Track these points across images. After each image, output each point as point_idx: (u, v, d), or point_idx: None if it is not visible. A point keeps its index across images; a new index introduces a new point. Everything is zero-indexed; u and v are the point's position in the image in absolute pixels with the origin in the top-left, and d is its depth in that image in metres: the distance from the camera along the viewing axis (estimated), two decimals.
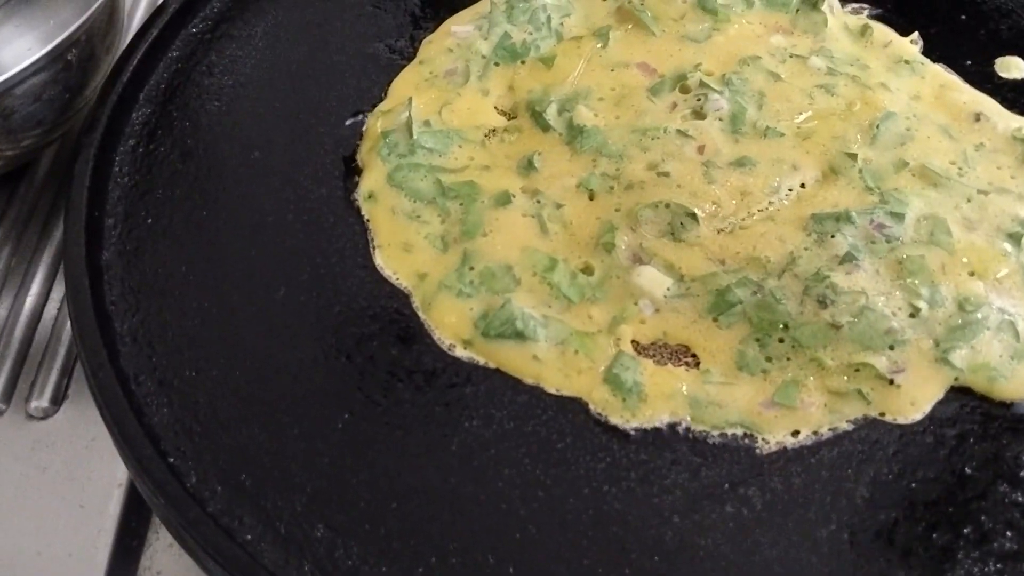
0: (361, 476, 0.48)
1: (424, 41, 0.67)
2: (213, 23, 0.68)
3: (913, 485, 0.49)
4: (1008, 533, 0.47)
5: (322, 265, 0.56)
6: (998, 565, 0.46)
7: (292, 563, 0.46)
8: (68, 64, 0.63)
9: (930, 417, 0.51)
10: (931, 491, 0.48)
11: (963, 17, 0.70)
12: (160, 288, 0.55)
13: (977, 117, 0.63)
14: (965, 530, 0.47)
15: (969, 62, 0.67)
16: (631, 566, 0.46)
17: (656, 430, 0.51)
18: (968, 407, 0.51)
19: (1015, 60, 0.67)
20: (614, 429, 0.51)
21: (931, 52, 0.68)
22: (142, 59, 0.64)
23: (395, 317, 0.54)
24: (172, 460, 0.48)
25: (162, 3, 0.67)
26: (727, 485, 0.48)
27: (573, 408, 0.51)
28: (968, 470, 0.49)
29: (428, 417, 0.50)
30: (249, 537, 0.46)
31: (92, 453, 0.60)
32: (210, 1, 0.69)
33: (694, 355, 0.53)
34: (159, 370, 0.52)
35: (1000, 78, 0.67)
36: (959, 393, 0.52)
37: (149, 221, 0.58)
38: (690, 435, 0.50)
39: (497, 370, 0.52)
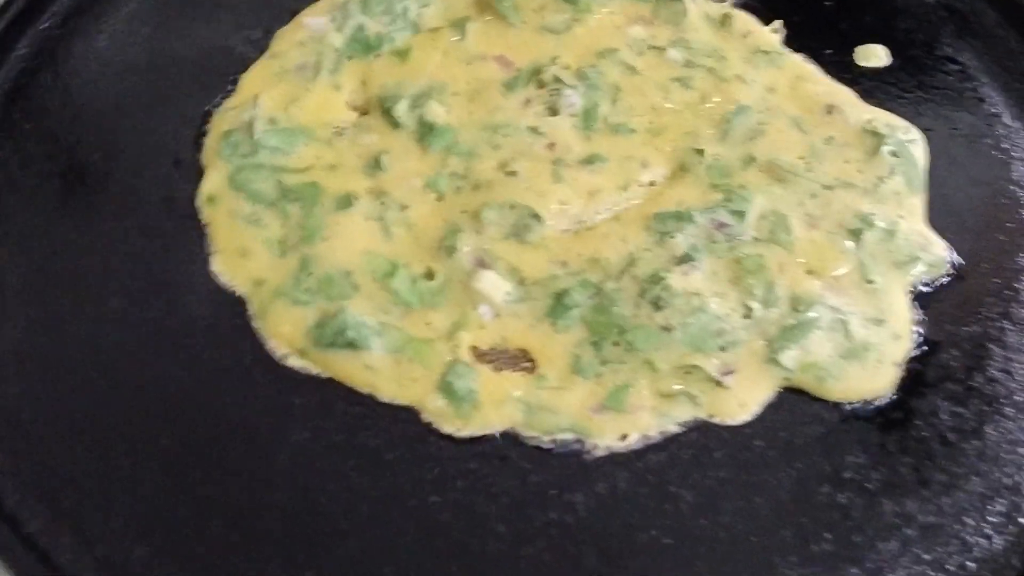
0: (183, 494, 0.48)
1: (277, 33, 0.66)
2: (62, 19, 0.66)
3: (738, 489, 0.49)
4: (827, 535, 0.48)
5: (158, 273, 0.55)
6: (815, 568, 0.47)
7: None
8: None
9: (759, 420, 0.51)
10: (755, 495, 0.49)
11: (828, 3, 0.70)
12: None
13: (829, 109, 0.62)
14: (784, 533, 0.48)
15: (830, 51, 0.67)
16: None
17: (489, 438, 0.50)
18: (798, 410, 0.52)
19: (875, 48, 0.67)
20: (447, 438, 0.50)
21: (793, 41, 0.67)
22: None
23: (229, 327, 0.53)
24: None
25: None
26: (554, 491, 0.49)
27: (406, 418, 0.51)
28: (792, 472, 0.49)
29: (254, 431, 0.50)
30: (68, 557, 0.46)
31: None
32: None
33: (532, 360, 0.53)
34: None
35: (859, 67, 0.66)
36: (792, 395, 0.52)
37: None
38: (522, 442, 0.50)
39: (331, 380, 0.52)
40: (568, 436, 0.50)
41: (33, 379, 0.51)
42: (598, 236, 0.57)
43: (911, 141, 0.61)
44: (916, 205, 0.59)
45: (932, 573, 0.47)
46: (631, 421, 0.50)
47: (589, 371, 0.52)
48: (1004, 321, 0.55)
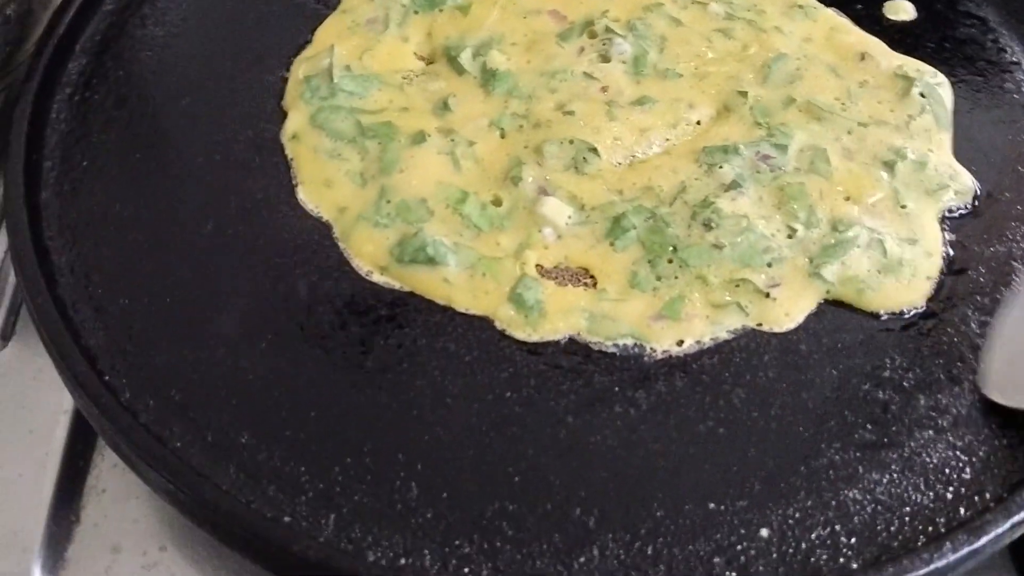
0: (283, 389, 0.53)
1: None
2: None
3: (786, 387, 0.54)
4: (869, 426, 0.52)
5: (248, 201, 0.60)
6: (857, 453, 0.51)
7: (219, 465, 0.50)
8: (7, 19, 0.67)
9: (804, 328, 0.56)
10: (802, 391, 0.53)
11: None
12: (96, 225, 0.59)
13: (862, 56, 0.67)
14: (829, 423, 0.52)
15: (860, 6, 0.72)
16: (528, 461, 0.51)
17: (555, 343, 0.55)
18: (839, 319, 0.56)
19: (903, 3, 0.72)
20: (517, 343, 0.55)
21: None
22: (78, 11, 0.68)
23: (316, 247, 0.58)
24: (107, 378, 0.52)
25: None
26: (617, 389, 0.53)
27: (481, 325, 0.56)
28: (835, 372, 0.54)
29: (346, 337, 0.55)
30: (179, 444, 0.51)
31: (40, 384, 0.63)
32: None
33: (593, 276, 0.58)
34: (95, 298, 0.56)
35: (888, 20, 0.71)
36: (832, 306, 0.57)
37: (85, 164, 0.61)
38: (586, 347, 0.55)
39: (412, 293, 0.57)
40: (629, 341, 0.55)
41: (140, 292, 0.56)
42: (650, 168, 0.61)
43: (938, 84, 0.65)
44: (944, 140, 0.63)
45: (964, 457, 0.51)
46: (686, 328, 0.55)
47: (646, 285, 0.57)
48: None
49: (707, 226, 0.58)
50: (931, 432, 0.52)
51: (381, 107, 0.64)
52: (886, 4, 0.72)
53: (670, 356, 0.55)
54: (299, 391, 0.53)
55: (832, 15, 0.70)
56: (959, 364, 0.54)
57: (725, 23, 0.69)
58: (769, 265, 0.57)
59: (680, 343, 0.55)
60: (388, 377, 0.54)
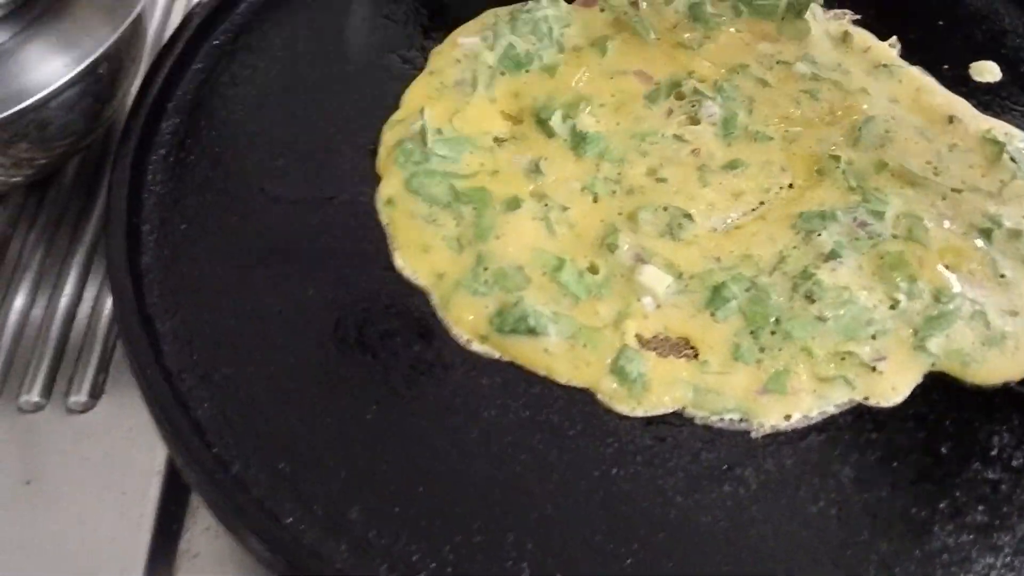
0: (390, 462, 0.53)
1: (433, 52, 0.71)
2: (233, 35, 0.72)
3: (894, 465, 0.53)
4: (980, 507, 0.52)
5: (346, 266, 0.60)
6: (970, 536, 0.51)
7: (330, 543, 0.50)
8: (99, 77, 0.67)
9: (909, 403, 0.55)
10: (911, 471, 0.53)
11: (940, 23, 0.75)
12: (197, 289, 0.59)
13: (950, 119, 0.67)
14: (941, 505, 0.52)
15: (946, 66, 0.71)
16: (639, 541, 0.50)
17: (660, 417, 0.55)
18: (945, 393, 0.56)
19: (989, 64, 0.72)
20: (621, 416, 0.55)
21: (909, 56, 0.72)
22: (169, 71, 0.68)
23: (415, 315, 0.58)
24: (216, 450, 0.52)
25: (186, 17, 0.71)
26: (725, 467, 0.53)
27: (582, 398, 0.56)
28: (944, 450, 0.54)
29: (448, 407, 0.55)
30: (291, 520, 0.51)
31: (131, 443, 0.64)
32: (230, 14, 0.72)
33: (694, 347, 0.58)
34: (200, 366, 0.56)
35: (974, 82, 0.71)
36: (937, 379, 0.56)
37: (183, 227, 0.62)
38: (691, 421, 0.55)
39: (512, 363, 0.57)
40: (735, 416, 0.55)
41: (242, 360, 0.56)
42: (747, 235, 0.61)
43: None
44: None
45: None
46: (793, 402, 0.55)
47: (749, 357, 0.56)
48: None
49: (809, 298, 0.57)
50: None
51: (473, 171, 0.64)
52: (972, 65, 0.72)
53: (777, 432, 0.54)
54: (405, 463, 0.53)
55: (917, 75, 0.70)
56: None
57: (811, 84, 0.69)
58: (873, 337, 0.57)
59: (787, 417, 0.55)
60: (493, 450, 0.53)
